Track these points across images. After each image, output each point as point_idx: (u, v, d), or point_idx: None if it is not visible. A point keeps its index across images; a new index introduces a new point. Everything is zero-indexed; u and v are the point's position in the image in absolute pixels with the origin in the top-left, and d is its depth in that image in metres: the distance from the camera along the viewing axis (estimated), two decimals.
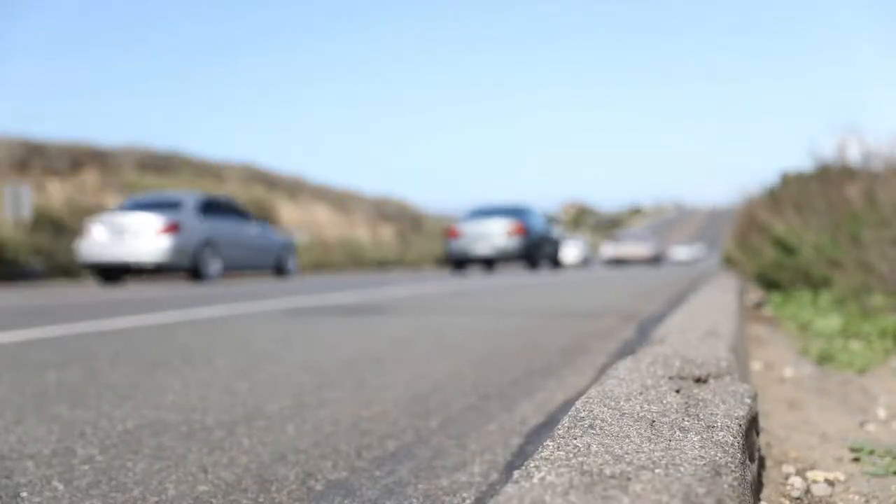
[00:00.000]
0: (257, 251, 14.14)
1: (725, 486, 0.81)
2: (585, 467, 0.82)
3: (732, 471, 0.87)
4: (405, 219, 34.96)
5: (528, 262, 17.34)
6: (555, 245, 19.14)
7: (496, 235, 17.01)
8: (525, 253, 17.08)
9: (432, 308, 5.54)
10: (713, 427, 1.03)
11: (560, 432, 0.99)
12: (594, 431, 0.98)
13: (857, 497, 1.25)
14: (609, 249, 33.67)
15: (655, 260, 33.09)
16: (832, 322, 3.47)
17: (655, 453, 0.88)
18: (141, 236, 12.32)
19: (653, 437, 0.96)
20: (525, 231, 17.11)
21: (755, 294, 6.61)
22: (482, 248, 17.04)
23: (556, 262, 19.32)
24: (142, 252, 12.24)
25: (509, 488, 0.77)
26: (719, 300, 3.91)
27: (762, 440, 1.52)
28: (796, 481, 1.32)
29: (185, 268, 12.54)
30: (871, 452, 1.49)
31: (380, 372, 2.55)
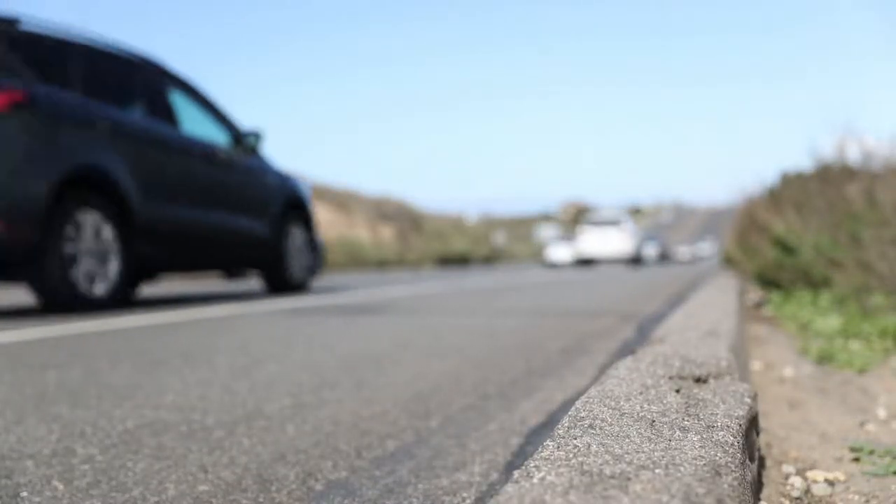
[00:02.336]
0: None
1: (725, 486, 0.81)
2: (585, 467, 0.82)
3: (732, 471, 0.87)
4: (405, 219, 34.96)
5: (661, 260, 37.09)
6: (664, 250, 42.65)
7: (648, 248, 36.55)
8: (657, 256, 38.49)
9: (432, 308, 5.54)
10: (713, 427, 1.03)
11: (560, 432, 0.99)
12: (594, 431, 0.98)
13: (857, 497, 1.25)
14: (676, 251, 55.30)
15: (696, 259, 51.12)
16: (832, 322, 3.47)
17: (655, 453, 0.88)
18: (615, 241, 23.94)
19: (653, 436, 0.96)
20: (660, 245, 39.49)
21: (755, 294, 6.61)
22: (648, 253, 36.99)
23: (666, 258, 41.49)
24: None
25: (509, 488, 0.77)
26: (719, 300, 3.91)
27: (762, 440, 1.52)
28: (796, 481, 1.32)
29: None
30: (871, 452, 1.49)
31: (380, 372, 2.55)
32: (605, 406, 1.13)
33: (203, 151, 6.30)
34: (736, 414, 1.12)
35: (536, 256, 45.95)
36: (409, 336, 3.64)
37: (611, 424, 1.02)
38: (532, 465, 0.85)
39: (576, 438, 0.95)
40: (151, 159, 5.70)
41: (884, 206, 4.38)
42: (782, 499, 1.25)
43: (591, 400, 1.18)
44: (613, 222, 25.72)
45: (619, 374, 1.42)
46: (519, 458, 1.49)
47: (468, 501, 1.24)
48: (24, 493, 1.30)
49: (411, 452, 1.54)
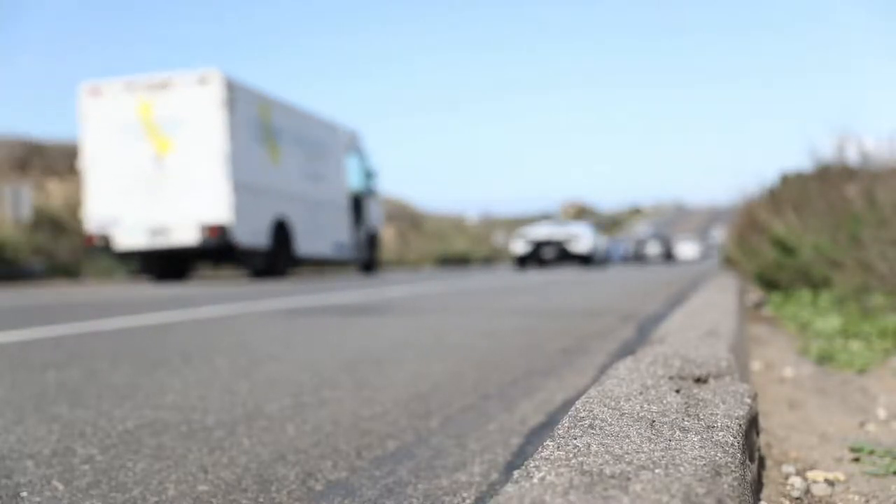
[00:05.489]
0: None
1: (725, 486, 0.81)
2: (585, 467, 0.82)
3: (732, 471, 0.87)
4: (405, 219, 34.96)
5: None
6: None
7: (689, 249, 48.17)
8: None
9: (433, 308, 5.54)
10: (713, 427, 1.03)
11: (560, 432, 0.99)
12: (594, 431, 0.98)
13: (857, 497, 1.25)
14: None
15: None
16: (832, 322, 3.47)
17: (655, 453, 0.88)
18: None
19: (653, 437, 0.96)
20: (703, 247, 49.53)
21: (755, 294, 6.60)
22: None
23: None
24: None
25: (509, 488, 0.77)
26: (719, 300, 3.91)
27: (762, 440, 1.52)
28: (796, 481, 1.32)
29: None
30: (871, 452, 1.49)
31: (380, 372, 2.55)
32: (605, 406, 1.13)
33: None
34: (736, 414, 1.12)
35: None
36: (409, 336, 3.64)
37: (611, 424, 1.02)
38: (532, 465, 0.85)
39: (576, 438, 0.95)
40: None
41: (883, 206, 4.37)
42: (782, 499, 1.25)
43: (591, 400, 1.18)
44: (691, 239, 51.13)
45: (619, 374, 1.42)
46: (519, 458, 1.49)
47: (468, 501, 1.24)
48: (24, 493, 1.30)
49: (411, 452, 1.54)
